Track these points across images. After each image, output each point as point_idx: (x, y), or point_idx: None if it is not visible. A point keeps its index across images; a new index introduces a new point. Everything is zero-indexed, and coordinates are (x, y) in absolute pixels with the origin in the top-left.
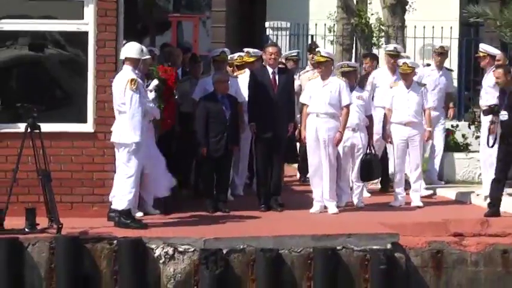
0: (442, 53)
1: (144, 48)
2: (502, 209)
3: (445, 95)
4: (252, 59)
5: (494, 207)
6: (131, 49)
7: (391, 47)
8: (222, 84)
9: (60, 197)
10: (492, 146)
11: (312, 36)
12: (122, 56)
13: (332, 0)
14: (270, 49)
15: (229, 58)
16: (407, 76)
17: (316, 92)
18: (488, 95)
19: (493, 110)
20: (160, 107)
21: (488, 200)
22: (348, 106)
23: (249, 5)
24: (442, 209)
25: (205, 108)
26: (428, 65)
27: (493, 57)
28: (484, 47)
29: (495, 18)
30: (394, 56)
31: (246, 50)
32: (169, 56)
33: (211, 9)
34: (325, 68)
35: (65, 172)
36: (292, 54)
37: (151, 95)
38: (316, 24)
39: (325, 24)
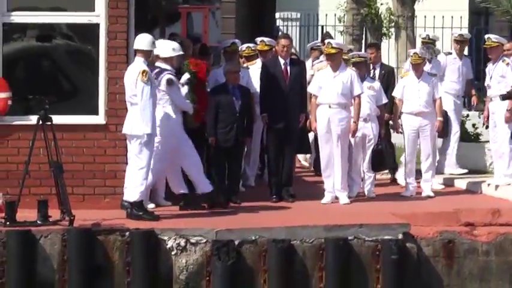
0: (461, 41)
1: (177, 45)
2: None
3: (466, 82)
4: (266, 48)
5: None
6: (143, 41)
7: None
8: (233, 75)
9: (72, 188)
10: None
11: (322, 27)
12: (134, 47)
13: None
14: (283, 41)
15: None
16: (417, 66)
17: (327, 83)
18: (501, 85)
19: (510, 95)
20: (193, 101)
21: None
22: (359, 96)
23: None
24: (453, 198)
25: (215, 99)
26: (450, 53)
27: (502, 45)
28: (496, 37)
29: (505, 9)
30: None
31: (260, 38)
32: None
33: (221, 0)
34: (336, 59)
35: (76, 164)
36: (317, 44)
37: (184, 89)
38: (326, 15)
39: (335, 15)
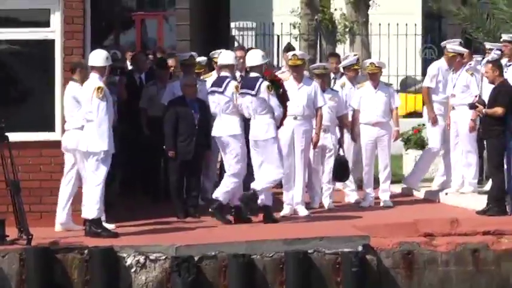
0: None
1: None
2: (471, 207)
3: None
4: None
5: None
6: (97, 57)
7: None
8: (190, 88)
9: (30, 206)
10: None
11: (278, 36)
12: (89, 64)
13: None
14: (238, 53)
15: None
16: (374, 76)
17: (293, 95)
18: (464, 94)
19: (476, 105)
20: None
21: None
22: (321, 108)
23: (213, 2)
24: (412, 208)
25: (174, 112)
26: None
27: (462, 55)
28: (452, 47)
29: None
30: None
31: (219, 51)
32: (136, 62)
33: (175, 7)
34: (301, 70)
35: (33, 181)
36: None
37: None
38: (281, 24)
39: (290, 24)
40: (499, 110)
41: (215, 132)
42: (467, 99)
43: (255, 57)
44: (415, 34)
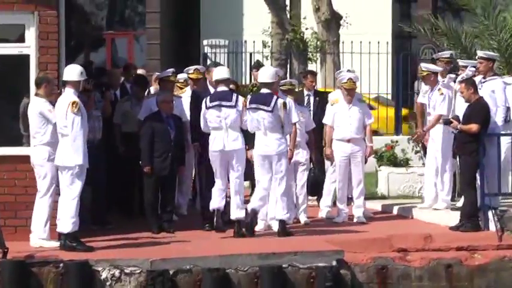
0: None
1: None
2: (444, 222)
3: None
4: (200, 76)
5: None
6: (72, 72)
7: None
8: (168, 104)
9: (4, 220)
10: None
11: (251, 53)
12: (64, 79)
13: (266, 16)
14: (214, 70)
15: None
16: (352, 91)
17: None
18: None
19: (451, 121)
20: None
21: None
22: (295, 124)
23: (184, 21)
24: (386, 224)
25: (151, 128)
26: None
27: (436, 74)
28: (426, 66)
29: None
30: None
31: (194, 67)
32: (110, 78)
33: (145, 26)
34: (274, 86)
35: (8, 196)
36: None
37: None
38: (254, 42)
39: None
40: (474, 127)
41: (219, 146)
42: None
43: (268, 74)
44: (387, 53)
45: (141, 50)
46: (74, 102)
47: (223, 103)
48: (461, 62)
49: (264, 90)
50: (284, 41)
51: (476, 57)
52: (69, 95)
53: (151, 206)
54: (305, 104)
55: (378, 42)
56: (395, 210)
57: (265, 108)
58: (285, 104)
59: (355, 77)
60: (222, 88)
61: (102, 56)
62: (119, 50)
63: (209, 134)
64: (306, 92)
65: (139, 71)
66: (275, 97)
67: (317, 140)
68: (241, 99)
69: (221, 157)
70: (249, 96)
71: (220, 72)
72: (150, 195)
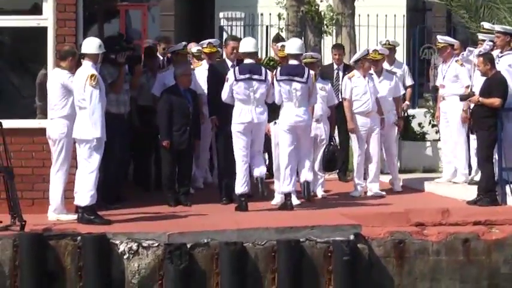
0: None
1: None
2: (461, 197)
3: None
4: (214, 50)
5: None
6: (90, 45)
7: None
8: (187, 77)
9: (21, 193)
10: (472, 133)
11: (267, 26)
12: (82, 51)
13: None
14: (232, 43)
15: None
16: (377, 63)
17: None
18: (455, 84)
19: (469, 96)
20: None
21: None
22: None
23: None
24: (403, 198)
25: (169, 102)
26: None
27: (452, 46)
28: (443, 38)
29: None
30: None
31: (207, 41)
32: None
33: None
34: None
35: (26, 168)
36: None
37: None
38: (270, 14)
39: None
40: (496, 101)
41: (247, 118)
42: (457, 89)
43: (297, 46)
44: (403, 26)
45: (152, 20)
46: (92, 75)
47: (254, 76)
48: (480, 36)
49: (293, 62)
50: (299, 13)
51: (494, 31)
52: (87, 68)
53: (169, 180)
54: (334, 78)
55: (395, 15)
56: (412, 184)
57: (300, 79)
58: (315, 75)
59: (381, 49)
60: (249, 61)
61: (116, 28)
62: (132, 22)
63: (227, 107)
64: (335, 67)
65: (149, 42)
66: (307, 68)
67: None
68: (269, 72)
69: (248, 129)
70: (278, 68)
71: (248, 45)
72: (168, 168)
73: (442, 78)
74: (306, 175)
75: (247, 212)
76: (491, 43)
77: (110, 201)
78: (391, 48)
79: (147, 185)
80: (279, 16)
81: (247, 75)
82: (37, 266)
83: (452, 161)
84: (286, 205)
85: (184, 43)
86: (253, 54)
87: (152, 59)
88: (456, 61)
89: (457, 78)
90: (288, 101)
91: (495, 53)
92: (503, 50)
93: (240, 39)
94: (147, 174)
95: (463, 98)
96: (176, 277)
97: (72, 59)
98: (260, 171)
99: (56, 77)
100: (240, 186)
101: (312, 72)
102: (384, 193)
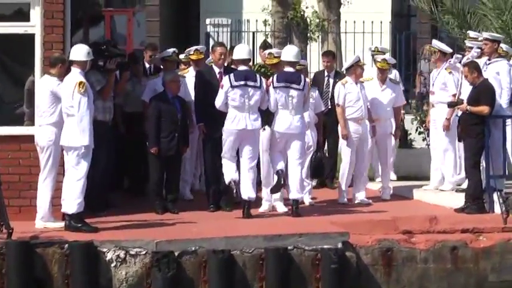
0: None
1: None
2: (448, 204)
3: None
4: (201, 56)
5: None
6: (79, 52)
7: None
8: (175, 84)
9: (8, 200)
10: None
11: (254, 33)
12: (70, 58)
13: None
14: (219, 49)
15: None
16: (384, 72)
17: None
18: (443, 92)
19: (457, 103)
20: None
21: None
22: None
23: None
24: (391, 206)
25: (157, 108)
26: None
27: (444, 53)
28: (437, 44)
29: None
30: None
31: (194, 48)
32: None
33: (144, 3)
34: (279, 67)
35: (12, 175)
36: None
37: None
38: (256, 21)
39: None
40: (485, 109)
41: (241, 125)
42: (445, 97)
43: (293, 53)
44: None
45: (138, 25)
46: (81, 83)
47: (249, 83)
48: (467, 43)
49: (289, 69)
50: (284, 19)
51: (482, 38)
52: (75, 75)
53: (157, 187)
54: (324, 85)
55: (381, 22)
56: (400, 192)
57: (296, 86)
58: (310, 84)
59: (390, 58)
60: (243, 67)
61: (101, 33)
62: (117, 27)
63: (215, 114)
64: (325, 73)
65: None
66: (302, 76)
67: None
68: (263, 79)
69: (239, 136)
70: (275, 75)
71: (242, 52)
72: (156, 175)
73: (432, 85)
74: (294, 194)
75: (234, 219)
76: (478, 50)
77: (98, 208)
78: (381, 54)
79: (133, 190)
80: (265, 22)
81: (242, 82)
82: (24, 274)
83: (439, 168)
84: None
85: (173, 49)
86: (247, 61)
87: (137, 65)
88: (445, 68)
89: (445, 85)
90: (283, 109)
91: (483, 60)
92: (491, 57)
93: (231, 46)
94: (135, 180)
95: (450, 105)
96: (164, 285)
97: (61, 66)
98: (248, 195)
99: (44, 84)
100: (228, 176)
101: (307, 79)
102: (370, 201)
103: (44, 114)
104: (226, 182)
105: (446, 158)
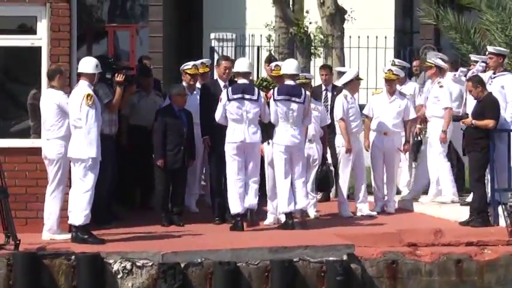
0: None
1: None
2: (454, 217)
3: None
4: (207, 70)
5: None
6: (87, 64)
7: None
8: (181, 97)
9: (15, 212)
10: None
11: (259, 47)
12: (78, 71)
13: (270, 10)
14: (224, 63)
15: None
16: (391, 83)
17: None
18: (435, 106)
19: (462, 117)
20: None
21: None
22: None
23: (186, 15)
24: (395, 218)
25: (163, 122)
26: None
27: (439, 68)
28: (433, 59)
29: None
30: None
31: (200, 61)
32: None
33: (147, 19)
34: (284, 80)
35: (19, 187)
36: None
37: None
38: (261, 35)
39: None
40: (490, 123)
41: (239, 138)
42: (437, 111)
43: (294, 66)
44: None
45: (140, 43)
46: (88, 95)
47: (246, 96)
48: (473, 57)
49: (289, 82)
50: (288, 35)
51: (486, 52)
52: (83, 88)
53: (163, 200)
54: (323, 99)
55: (385, 37)
56: (402, 205)
57: (297, 100)
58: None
59: (396, 70)
60: (243, 81)
61: (104, 49)
62: (120, 43)
63: (220, 127)
64: (323, 87)
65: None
66: (303, 89)
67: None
68: (262, 93)
69: (241, 149)
70: (275, 88)
71: (242, 65)
72: (162, 188)
73: (425, 99)
74: (300, 202)
75: (241, 231)
76: (484, 64)
77: (103, 221)
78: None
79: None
80: (269, 38)
81: (239, 95)
82: (31, 285)
83: (435, 181)
84: (287, 225)
85: (192, 62)
86: (247, 74)
87: (148, 79)
88: (438, 83)
89: (438, 99)
90: (283, 121)
91: (487, 74)
92: (496, 71)
93: (233, 60)
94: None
95: (456, 119)
96: None
97: (60, 77)
98: (250, 202)
99: (50, 97)
100: (235, 207)
101: (308, 93)
102: (374, 213)
103: (51, 128)
104: (232, 212)
105: (441, 171)
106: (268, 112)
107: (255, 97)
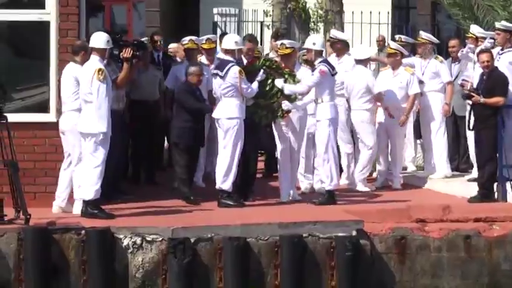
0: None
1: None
2: (460, 194)
3: None
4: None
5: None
6: (98, 39)
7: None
8: (197, 77)
9: (24, 187)
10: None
11: (261, 22)
12: (90, 45)
13: None
14: (248, 45)
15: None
16: (391, 58)
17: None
18: (434, 81)
19: (470, 96)
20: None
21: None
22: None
23: None
24: (403, 194)
25: (189, 92)
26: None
27: (433, 44)
28: (427, 35)
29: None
30: None
31: (206, 37)
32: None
33: None
34: (290, 58)
35: (28, 162)
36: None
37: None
38: (264, 11)
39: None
40: (500, 101)
41: (215, 114)
42: (436, 85)
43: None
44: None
45: (139, 17)
46: (100, 70)
47: (218, 72)
48: (479, 34)
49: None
50: (286, 10)
51: (494, 28)
52: (94, 62)
53: (188, 175)
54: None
55: (379, 13)
56: (409, 181)
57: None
58: (240, 72)
59: (396, 45)
60: (227, 57)
61: (100, 23)
62: (117, 17)
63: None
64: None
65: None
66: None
67: None
68: (233, 69)
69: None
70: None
71: (227, 42)
72: (184, 165)
73: (421, 74)
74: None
75: (251, 207)
76: (492, 40)
77: (112, 196)
78: (405, 45)
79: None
80: (266, 13)
81: (215, 71)
82: (41, 260)
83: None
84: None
85: (189, 38)
86: (229, 51)
87: (144, 53)
88: (436, 58)
89: (437, 74)
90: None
91: (495, 50)
92: (504, 47)
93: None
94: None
95: (467, 96)
96: (180, 272)
97: (84, 54)
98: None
99: (70, 70)
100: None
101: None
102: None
103: (67, 101)
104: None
105: (437, 146)
106: (245, 87)
107: (222, 73)
